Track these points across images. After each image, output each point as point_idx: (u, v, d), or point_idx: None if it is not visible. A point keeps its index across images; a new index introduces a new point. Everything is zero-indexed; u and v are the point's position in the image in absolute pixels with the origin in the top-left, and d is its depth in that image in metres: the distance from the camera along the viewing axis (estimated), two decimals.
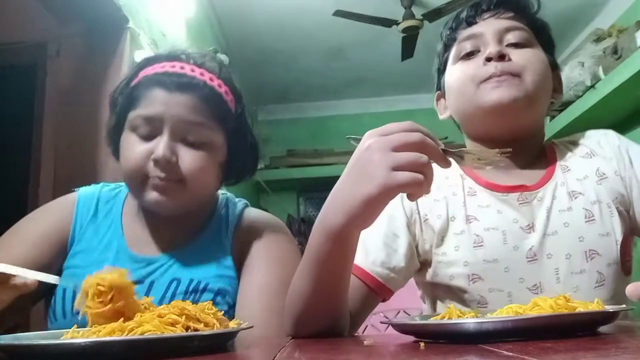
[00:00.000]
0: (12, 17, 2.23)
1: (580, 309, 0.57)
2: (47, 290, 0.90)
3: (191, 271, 0.88)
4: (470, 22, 0.95)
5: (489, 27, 0.92)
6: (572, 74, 3.10)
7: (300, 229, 4.10)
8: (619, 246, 0.83)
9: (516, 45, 0.90)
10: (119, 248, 0.92)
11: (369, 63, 4.16)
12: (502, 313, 0.60)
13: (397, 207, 0.91)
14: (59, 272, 0.90)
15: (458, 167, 0.94)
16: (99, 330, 0.53)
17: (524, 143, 0.92)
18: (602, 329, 0.56)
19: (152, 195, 0.85)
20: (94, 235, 0.94)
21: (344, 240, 0.63)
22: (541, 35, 0.94)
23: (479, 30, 0.93)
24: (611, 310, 0.55)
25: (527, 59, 0.89)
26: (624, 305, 0.58)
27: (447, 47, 1.00)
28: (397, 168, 0.55)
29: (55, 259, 0.91)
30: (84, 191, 1.00)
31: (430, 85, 1.08)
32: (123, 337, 0.50)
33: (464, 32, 0.95)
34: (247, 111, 0.98)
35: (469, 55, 0.93)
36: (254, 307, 0.85)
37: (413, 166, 0.56)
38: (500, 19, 0.93)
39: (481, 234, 0.86)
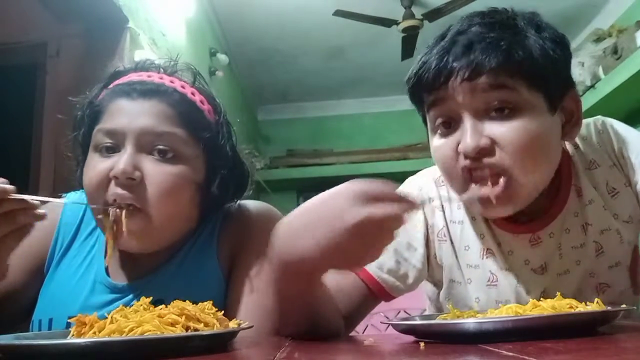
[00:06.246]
0: (12, 17, 2.23)
1: (580, 309, 0.57)
2: (25, 313, 0.86)
3: (176, 290, 0.80)
4: (436, 87, 0.73)
5: (461, 97, 0.71)
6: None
7: None
8: (628, 272, 0.82)
9: (499, 114, 0.70)
10: (97, 276, 0.85)
11: (369, 63, 4.16)
12: (502, 313, 0.60)
13: (418, 217, 0.85)
14: (35, 293, 0.86)
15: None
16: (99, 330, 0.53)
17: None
18: (602, 329, 0.56)
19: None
20: (73, 260, 0.88)
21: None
22: (535, 72, 0.71)
23: (449, 96, 0.72)
24: (611, 310, 0.55)
25: (513, 150, 0.69)
26: (624, 305, 0.58)
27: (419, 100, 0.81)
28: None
29: (33, 278, 0.87)
30: (71, 199, 0.93)
31: None
32: (123, 337, 0.50)
33: (431, 96, 0.75)
34: (231, 128, 0.88)
35: (445, 130, 0.75)
36: (243, 305, 0.81)
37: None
38: (475, 82, 0.70)
39: (496, 272, 0.82)
